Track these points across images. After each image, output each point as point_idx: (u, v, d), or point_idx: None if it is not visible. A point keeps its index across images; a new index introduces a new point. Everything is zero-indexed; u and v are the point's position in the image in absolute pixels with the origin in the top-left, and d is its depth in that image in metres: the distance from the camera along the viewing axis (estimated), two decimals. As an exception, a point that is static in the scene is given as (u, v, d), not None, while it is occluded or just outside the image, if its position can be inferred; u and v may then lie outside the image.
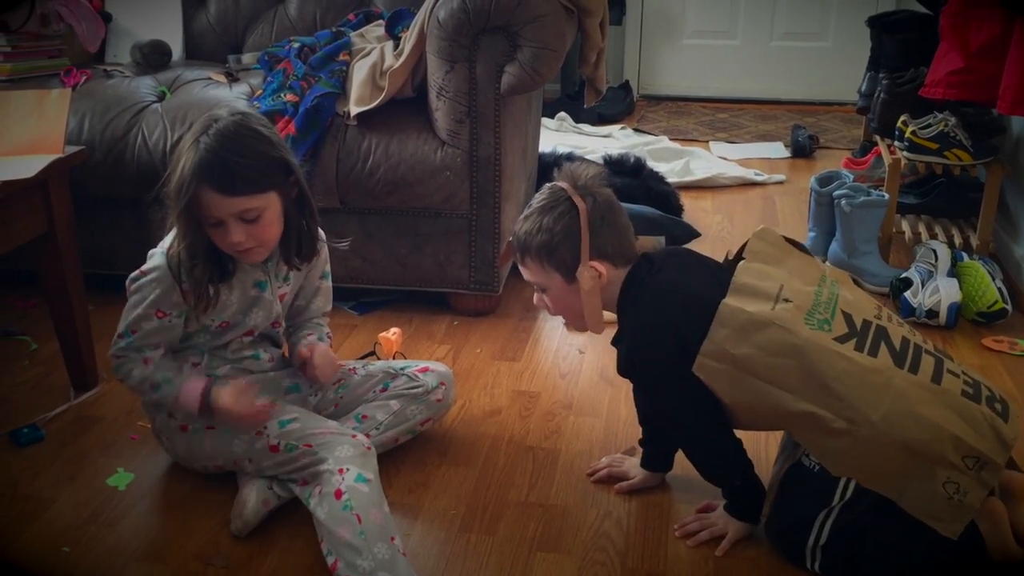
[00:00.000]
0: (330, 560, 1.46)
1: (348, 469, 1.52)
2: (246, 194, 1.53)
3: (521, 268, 1.61)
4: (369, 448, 1.59)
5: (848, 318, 1.47)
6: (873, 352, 1.44)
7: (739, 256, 1.55)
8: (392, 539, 1.46)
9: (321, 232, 1.76)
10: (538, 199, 1.57)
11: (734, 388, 1.46)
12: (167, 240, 1.61)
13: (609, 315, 1.59)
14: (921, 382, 1.42)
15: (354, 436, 1.60)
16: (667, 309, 1.51)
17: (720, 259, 1.62)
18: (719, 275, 1.54)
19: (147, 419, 1.78)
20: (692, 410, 1.53)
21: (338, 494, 1.49)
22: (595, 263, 1.53)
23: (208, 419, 1.63)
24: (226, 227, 1.54)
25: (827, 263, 1.52)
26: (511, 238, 1.61)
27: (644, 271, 1.56)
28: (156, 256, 1.62)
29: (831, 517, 1.47)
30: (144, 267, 1.63)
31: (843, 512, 1.46)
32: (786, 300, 1.45)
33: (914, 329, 1.55)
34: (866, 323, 1.47)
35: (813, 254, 1.59)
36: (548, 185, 1.58)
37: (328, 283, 1.84)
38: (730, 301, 1.45)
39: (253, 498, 1.59)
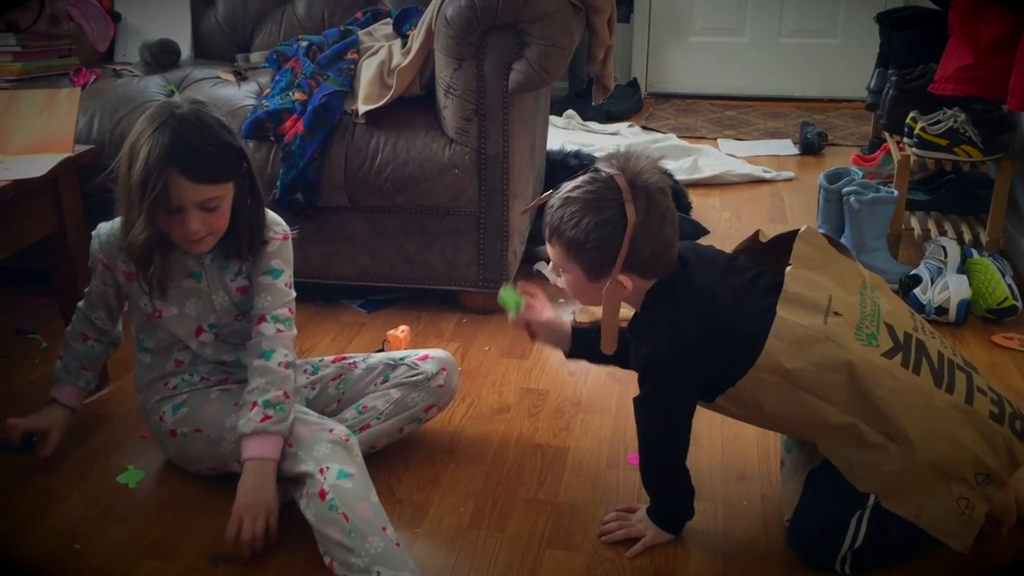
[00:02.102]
0: (326, 559, 1.46)
1: (328, 468, 1.51)
2: (213, 182, 1.54)
3: (547, 243, 1.50)
4: (347, 440, 1.58)
5: (892, 331, 1.46)
6: (916, 369, 1.44)
7: (773, 245, 1.54)
8: (384, 528, 1.45)
9: (276, 227, 1.71)
10: (586, 186, 1.42)
11: (779, 399, 1.44)
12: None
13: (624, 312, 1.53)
14: (956, 403, 1.43)
15: (331, 431, 1.58)
16: (696, 320, 1.44)
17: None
18: (745, 280, 1.50)
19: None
20: (674, 427, 1.51)
21: (322, 495, 1.48)
22: (623, 277, 1.42)
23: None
24: (185, 215, 1.54)
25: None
26: (550, 197, 1.48)
27: (676, 275, 1.48)
28: (99, 226, 1.70)
29: (865, 517, 1.45)
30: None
31: (876, 509, 1.45)
32: (836, 314, 1.43)
33: (944, 339, 1.54)
34: (907, 336, 1.47)
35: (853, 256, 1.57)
36: (603, 172, 1.42)
37: (273, 280, 1.68)
38: (784, 314, 1.41)
39: None
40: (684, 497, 1.57)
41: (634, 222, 1.38)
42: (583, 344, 1.70)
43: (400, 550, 1.45)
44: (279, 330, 1.65)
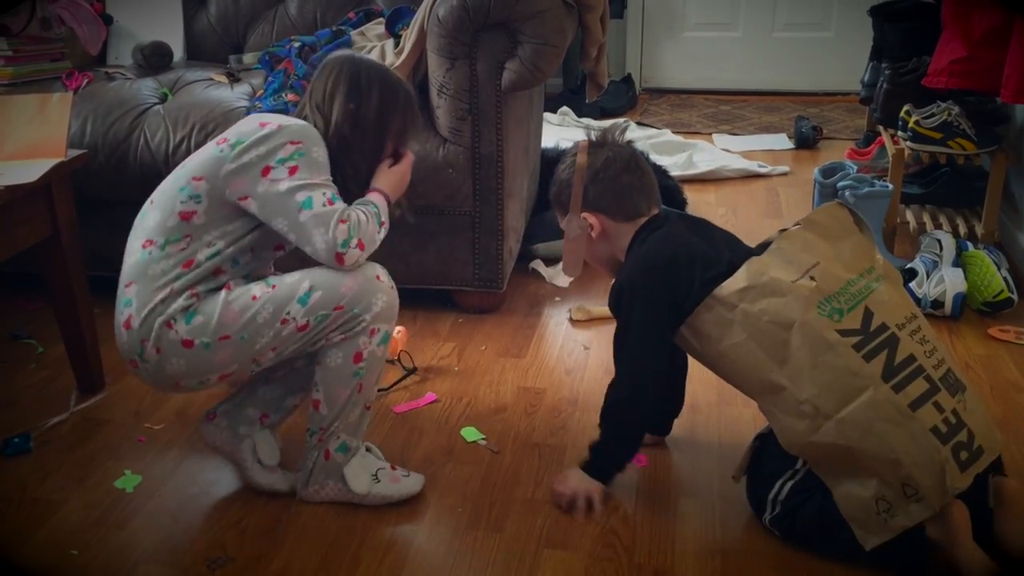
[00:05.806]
0: (315, 395, 1.58)
1: (378, 329, 1.56)
2: None
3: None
4: (392, 288, 1.60)
5: (867, 317, 1.47)
6: (868, 357, 1.45)
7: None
8: (367, 407, 1.60)
9: None
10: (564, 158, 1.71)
11: (724, 338, 1.51)
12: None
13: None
14: (897, 403, 1.44)
15: (379, 279, 1.56)
16: (669, 253, 1.56)
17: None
18: (728, 244, 1.62)
19: (140, 374, 1.61)
20: (645, 355, 1.58)
21: (357, 357, 1.55)
22: (587, 214, 1.65)
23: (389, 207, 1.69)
24: None
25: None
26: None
27: (656, 223, 1.63)
28: (296, 123, 1.55)
29: (795, 478, 1.53)
30: (294, 135, 1.53)
31: (808, 476, 1.52)
32: (811, 279, 1.49)
33: (944, 356, 1.51)
34: (882, 327, 1.48)
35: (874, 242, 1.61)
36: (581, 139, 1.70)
37: None
38: (762, 258, 1.52)
39: (248, 456, 1.68)
40: (630, 441, 1.65)
41: (581, 164, 1.64)
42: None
43: (368, 413, 1.62)
44: None
